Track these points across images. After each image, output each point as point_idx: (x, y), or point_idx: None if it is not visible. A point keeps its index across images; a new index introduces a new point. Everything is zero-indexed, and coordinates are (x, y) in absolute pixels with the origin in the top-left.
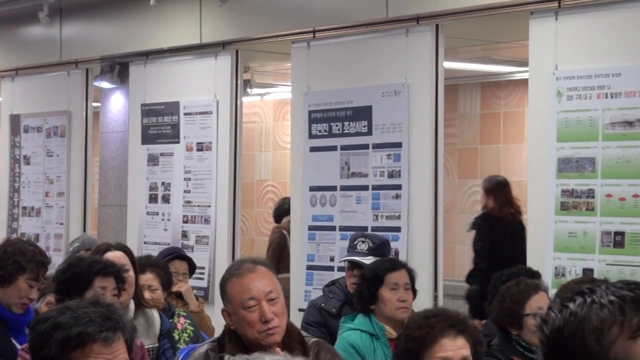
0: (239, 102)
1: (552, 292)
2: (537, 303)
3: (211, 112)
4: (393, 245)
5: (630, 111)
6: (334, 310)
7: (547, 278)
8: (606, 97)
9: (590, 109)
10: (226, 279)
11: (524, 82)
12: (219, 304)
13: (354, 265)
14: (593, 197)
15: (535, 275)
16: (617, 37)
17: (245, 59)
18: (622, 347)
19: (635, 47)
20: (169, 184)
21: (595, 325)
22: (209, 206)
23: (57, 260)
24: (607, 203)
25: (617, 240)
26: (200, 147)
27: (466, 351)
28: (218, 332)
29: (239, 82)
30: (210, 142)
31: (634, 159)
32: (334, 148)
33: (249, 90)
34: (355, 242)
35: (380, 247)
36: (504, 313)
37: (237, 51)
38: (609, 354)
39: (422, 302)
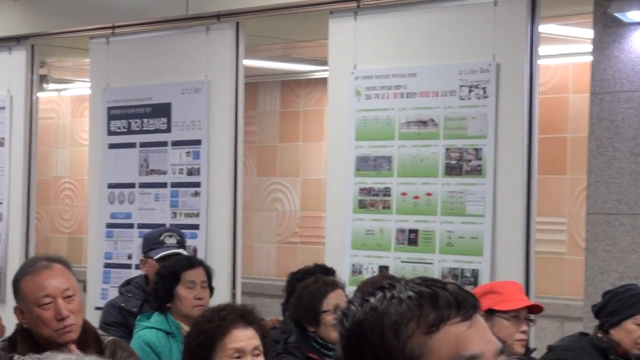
0: (34, 98)
1: (350, 289)
2: (334, 300)
3: (4, 108)
4: (191, 242)
5: (424, 111)
6: (134, 309)
7: (345, 275)
8: (402, 97)
9: (387, 108)
10: (20, 276)
11: (324, 81)
12: (10, 302)
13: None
14: (389, 195)
15: (330, 272)
16: (413, 37)
17: (41, 54)
18: (418, 342)
19: (429, 48)
20: None
21: (394, 319)
22: (1, 203)
23: None
24: (402, 201)
25: (411, 237)
26: None
27: (257, 341)
28: (10, 331)
29: (34, 77)
30: (3, 138)
31: (427, 157)
32: (132, 145)
33: (45, 85)
34: (162, 237)
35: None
36: (302, 310)
37: (32, 46)
38: (406, 348)
39: (220, 300)
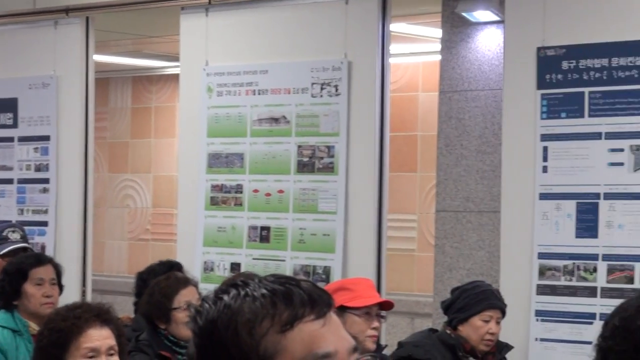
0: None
1: (203, 286)
2: (186, 297)
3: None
4: (40, 239)
5: (276, 108)
6: None
7: (197, 272)
8: (254, 94)
9: (239, 105)
10: None
11: (176, 77)
12: None
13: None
14: (241, 192)
15: (175, 267)
16: (265, 34)
17: None
18: (272, 340)
19: (281, 45)
20: None
21: (248, 317)
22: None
23: None
24: (254, 198)
25: (263, 235)
26: None
27: (112, 341)
28: None
29: None
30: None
31: (279, 155)
32: None
33: None
34: (6, 233)
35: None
36: (152, 307)
37: None
38: (260, 346)
39: (70, 298)
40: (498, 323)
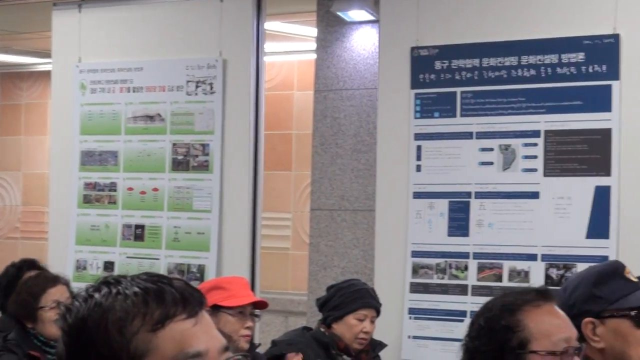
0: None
1: (76, 285)
2: (55, 296)
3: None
4: None
5: (151, 105)
6: None
7: (69, 271)
8: (129, 91)
9: (113, 102)
10: None
11: (48, 73)
12: None
13: None
14: (115, 190)
15: (32, 265)
16: (140, 32)
17: None
18: (143, 339)
19: (156, 43)
20: None
21: (119, 316)
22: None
23: None
24: (128, 196)
25: (138, 233)
26: None
27: None
28: None
29: None
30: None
31: (154, 152)
32: None
33: None
34: None
35: None
36: (19, 306)
37: None
38: (130, 345)
39: None
40: (372, 322)
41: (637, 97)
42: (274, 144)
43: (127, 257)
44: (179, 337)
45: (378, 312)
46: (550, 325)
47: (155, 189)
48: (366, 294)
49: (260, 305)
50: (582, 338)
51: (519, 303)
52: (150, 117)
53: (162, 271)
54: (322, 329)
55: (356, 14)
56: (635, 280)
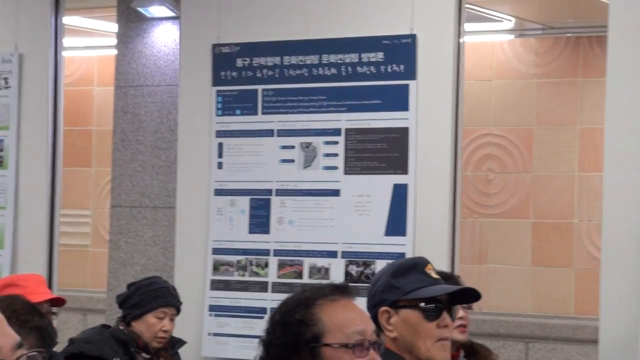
0: None
1: None
2: None
3: None
4: None
5: None
6: None
7: None
8: None
9: None
10: None
11: None
12: None
13: None
14: None
15: None
16: None
17: None
18: None
19: None
20: None
21: None
22: None
23: None
24: None
25: None
26: None
27: None
28: None
29: None
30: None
31: None
32: None
33: None
34: None
35: None
36: None
37: None
38: None
39: None
40: (172, 320)
41: (432, 97)
42: (73, 140)
43: None
44: None
45: (178, 311)
46: (344, 319)
47: None
48: (166, 293)
49: (58, 302)
50: (380, 328)
51: (315, 297)
52: None
53: None
54: (122, 327)
55: (157, 10)
56: (436, 277)
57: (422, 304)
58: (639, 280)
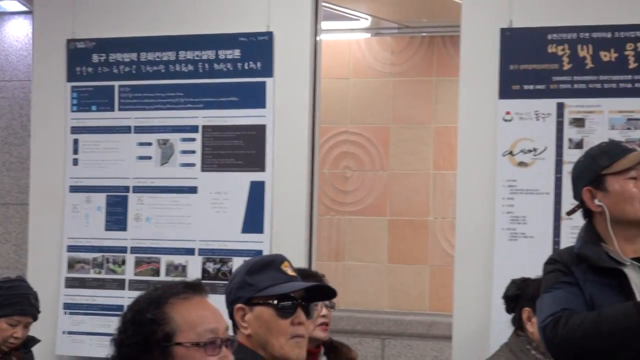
0: None
1: None
2: None
3: None
4: None
5: None
6: None
7: None
8: None
9: None
10: None
11: None
12: None
13: None
14: None
15: None
16: None
17: None
18: None
19: None
20: None
21: None
22: None
23: None
24: None
25: None
26: None
27: None
28: None
29: None
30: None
31: None
32: None
33: None
34: None
35: None
36: None
37: None
38: None
39: None
40: (26, 327)
41: (289, 94)
42: None
43: None
44: None
45: (35, 318)
46: (196, 317)
47: None
48: (24, 301)
49: None
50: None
51: (167, 296)
52: None
53: None
54: None
55: (9, 4)
56: (292, 274)
57: (275, 301)
58: (490, 277)
